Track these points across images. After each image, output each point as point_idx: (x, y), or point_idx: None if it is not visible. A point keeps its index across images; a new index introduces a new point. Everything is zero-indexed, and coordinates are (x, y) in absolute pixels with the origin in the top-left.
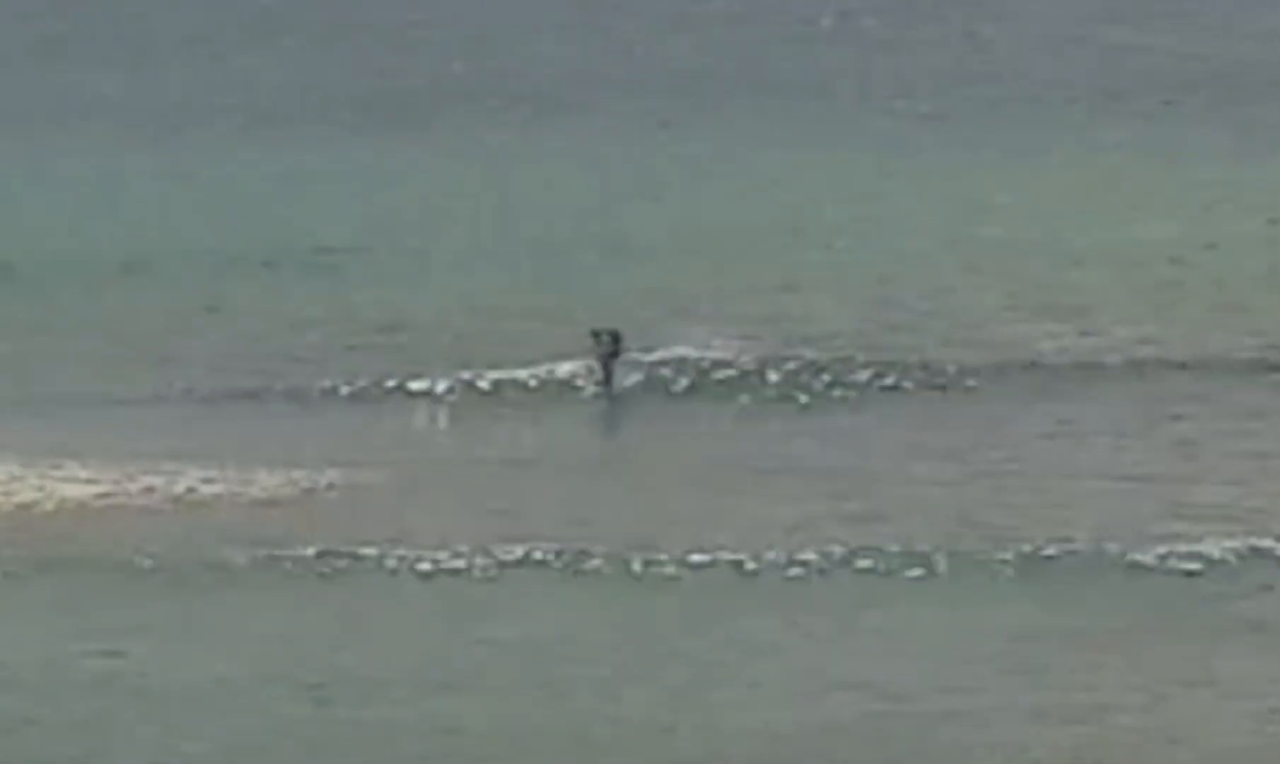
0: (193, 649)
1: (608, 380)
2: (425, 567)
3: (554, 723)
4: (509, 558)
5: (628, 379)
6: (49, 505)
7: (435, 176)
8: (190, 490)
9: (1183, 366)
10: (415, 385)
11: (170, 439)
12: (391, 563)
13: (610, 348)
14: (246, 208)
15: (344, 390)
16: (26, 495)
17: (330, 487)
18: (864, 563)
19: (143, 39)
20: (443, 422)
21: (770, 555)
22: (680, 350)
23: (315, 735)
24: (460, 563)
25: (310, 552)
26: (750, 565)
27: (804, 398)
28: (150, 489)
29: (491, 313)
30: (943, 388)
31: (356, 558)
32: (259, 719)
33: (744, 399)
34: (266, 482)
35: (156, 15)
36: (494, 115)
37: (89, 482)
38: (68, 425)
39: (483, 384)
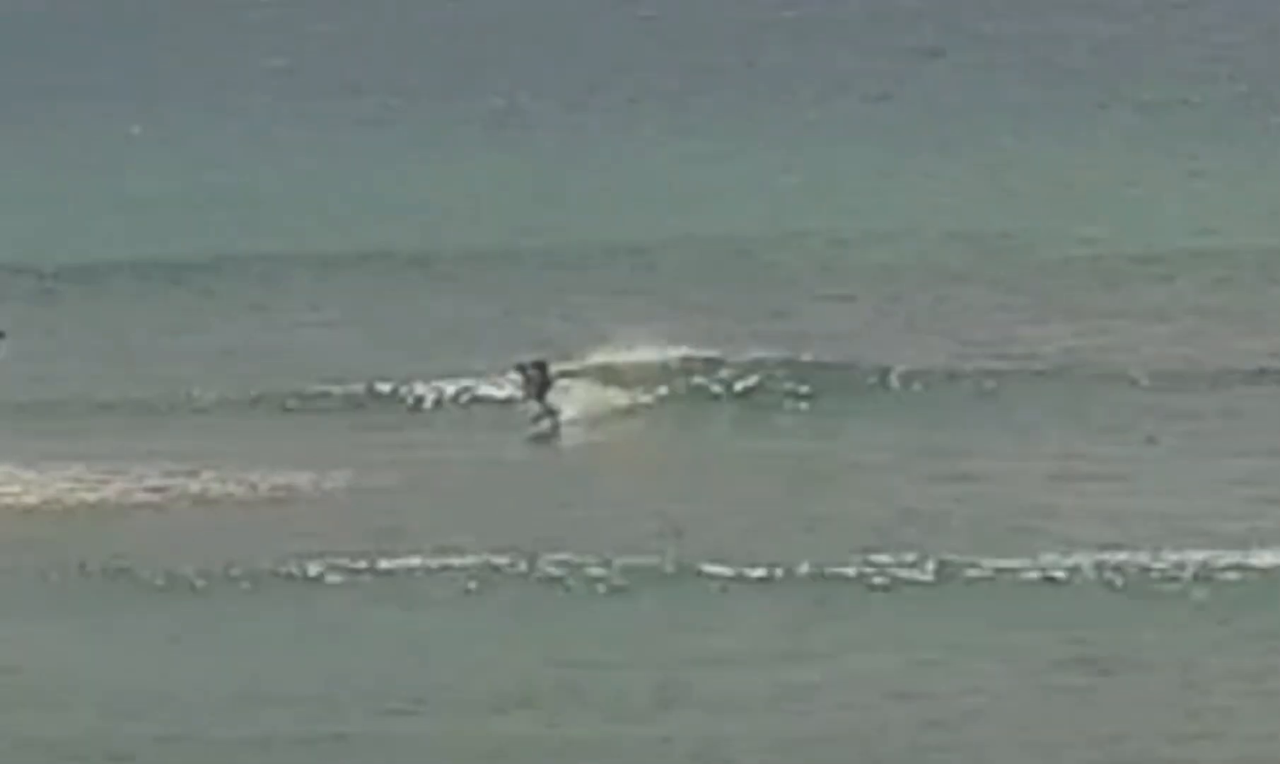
0: (217, 661)
1: (548, 411)
2: (453, 575)
3: (598, 735)
4: (544, 565)
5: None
6: (65, 508)
7: (461, 177)
8: (203, 493)
9: (1202, 372)
10: (445, 388)
11: (183, 442)
12: (420, 569)
13: (538, 379)
14: (281, 205)
15: (369, 393)
16: (34, 497)
17: (351, 490)
18: (874, 569)
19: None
20: (475, 425)
21: (782, 562)
22: (685, 350)
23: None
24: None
25: (330, 559)
26: (761, 572)
27: (814, 399)
28: (161, 490)
29: (519, 313)
30: (953, 390)
31: (387, 564)
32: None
33: (754, 401)
34: (292, 485)
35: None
36: (496, 115)
37: (99, 483)
38: (83, 428)
39: (503, 388)
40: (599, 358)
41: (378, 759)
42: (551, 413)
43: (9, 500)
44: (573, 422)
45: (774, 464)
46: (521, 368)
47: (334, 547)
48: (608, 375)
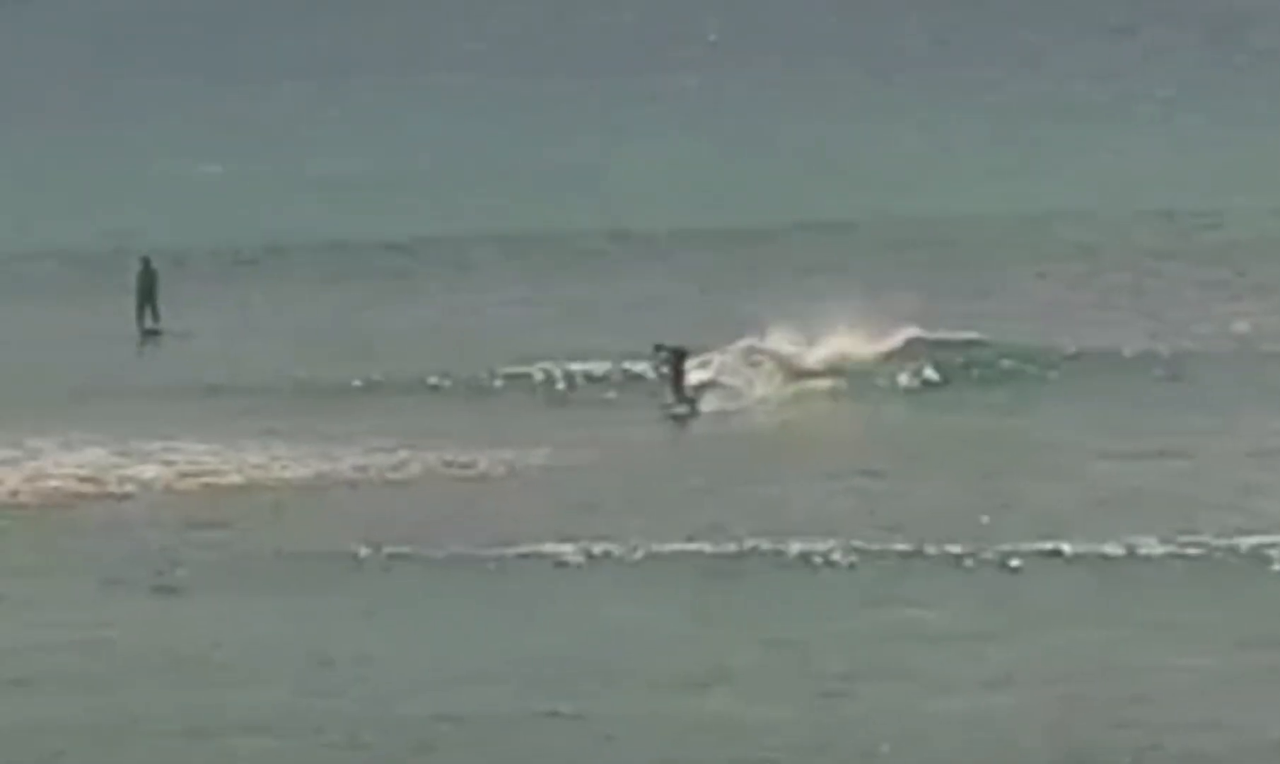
0: (412, 638)
1: (680, 397)
2: (648, 554)
3: (794, 712)
4: (703, 548)
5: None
6: (266, 486)
7: (655, 155)
8: (400, 472)
9: None
10: (638, 367)
11: (380, 421)
12: (616, 549)
13: (673, 364)
14: (438, 191)
15: (563, 372)
16: (236, 476)
17: (547, 469)
18: (1069, 546)
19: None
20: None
21: (978, 539)
22: (878, 328)
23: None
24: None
25: (526, 539)
26: (956, 549)
27: (1007, 378)
28: (359, 468)
29: (713, 291)
30: (1147, 368)
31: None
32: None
33: (948, 379)
34: (489, 464)
35: None
36: (689, 94)
37: (298, 462)
38: (282, 408)
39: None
40: (792, 336)
41: (570, 737)
42: (689, 401)
43: (211, 479)
44: (764, 400)
45: (969, 442)
46: (659, 348)
47: (530, 526)
48: (800, 353)
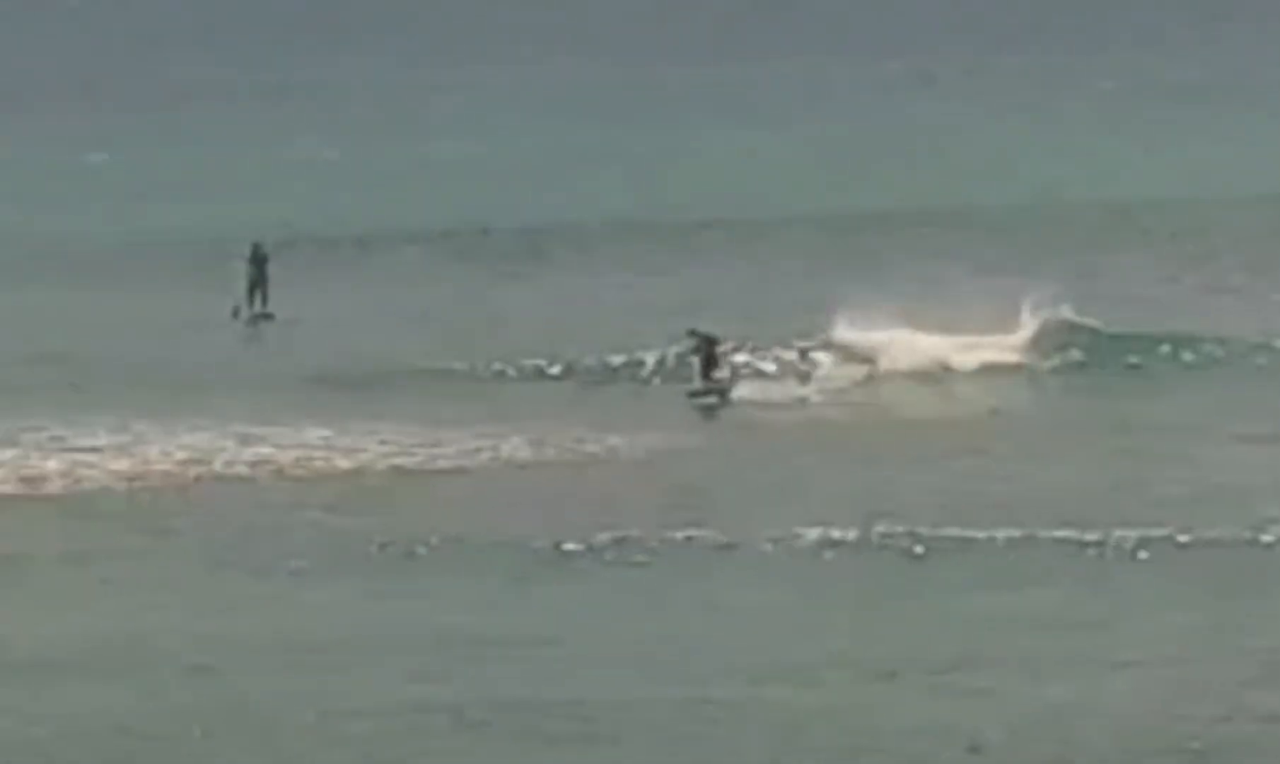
0: (519, 622)
1: (710, 385)
2: (752, 540)
3: (901, 696)
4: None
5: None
6: (376, 472)
7: (769, 143)
8: (512, 458)
9: None
10: (745, 353)
11: (490, 407)
12: (724, 537)
13: (704, 351)
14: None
15: (672, 359)
16: (347, 462)
17: (658, 454)
18: (1181, 531)
19: None
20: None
21: (1090, 525)
22: (993, 314)
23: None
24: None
25: (639, 526)
26: (1068, 534)
27: (1122, 363)
28: (470, 454)
29: (821, 277)
30: (1260, 355)
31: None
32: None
33: (1058, 366)
34: (599, 450)
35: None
36: (798, 81)
37: (411, 448)
38: (392, 394)
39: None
40: (903, 321)
41: (685, 723)
42: (721, 391)
43: (320, 463)
44: (870, 384)
45: (1086, 426)
46: (693, 333)
47: (641, 512)
48: (912, 339)
